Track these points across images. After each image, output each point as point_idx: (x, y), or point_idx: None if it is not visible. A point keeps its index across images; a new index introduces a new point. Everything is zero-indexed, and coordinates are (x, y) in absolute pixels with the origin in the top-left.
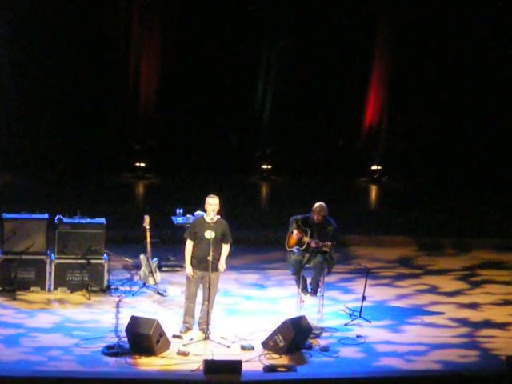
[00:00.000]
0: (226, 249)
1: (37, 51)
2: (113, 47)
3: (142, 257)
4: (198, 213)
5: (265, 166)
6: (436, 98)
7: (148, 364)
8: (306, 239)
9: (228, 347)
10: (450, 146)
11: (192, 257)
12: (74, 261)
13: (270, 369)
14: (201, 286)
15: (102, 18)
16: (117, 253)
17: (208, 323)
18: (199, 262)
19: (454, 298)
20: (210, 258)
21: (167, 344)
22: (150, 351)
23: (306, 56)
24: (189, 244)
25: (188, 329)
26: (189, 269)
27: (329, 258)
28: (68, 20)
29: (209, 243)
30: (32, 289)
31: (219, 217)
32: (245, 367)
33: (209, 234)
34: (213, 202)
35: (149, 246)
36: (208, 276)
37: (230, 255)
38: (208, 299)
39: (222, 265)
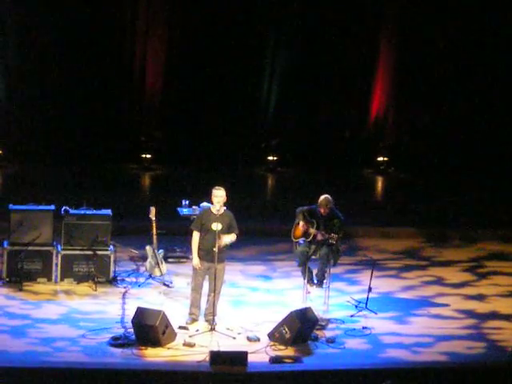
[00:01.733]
0: (233, 236)
1: (42, 44)
2: (118, 37)
3: (148, 248)
4: (204, 204)
5: (271, 158)
6: (441, 91)
7: (154, 355)
8: (312, 231)
9: (234, 338)
10: (455, 136)
11: (199, 248)
12: (81, 252)
13: (275, 360)
14: (207, 277)
15: (108, 8)
16: (123, 244)
17: (214, 314)
18: (206, 254)
19: (460, 289)
20: (216, 249)
21: (173, 335)
22: (156, 342)
23: (311, 47)
24: (196, 235)
25: (194, 320)
26: (196, 260)
27: (335, 249)
28: (73, 12)
29: (215, 235)
30: (38, 280)
31: (225, 208)
32: (251, 358)
33: (215, 226)
34: (218, 194)
35: (155, 237)
36: (214, 267)
37: (237, 246)
38: (214, 290)
39: (225, 239)
